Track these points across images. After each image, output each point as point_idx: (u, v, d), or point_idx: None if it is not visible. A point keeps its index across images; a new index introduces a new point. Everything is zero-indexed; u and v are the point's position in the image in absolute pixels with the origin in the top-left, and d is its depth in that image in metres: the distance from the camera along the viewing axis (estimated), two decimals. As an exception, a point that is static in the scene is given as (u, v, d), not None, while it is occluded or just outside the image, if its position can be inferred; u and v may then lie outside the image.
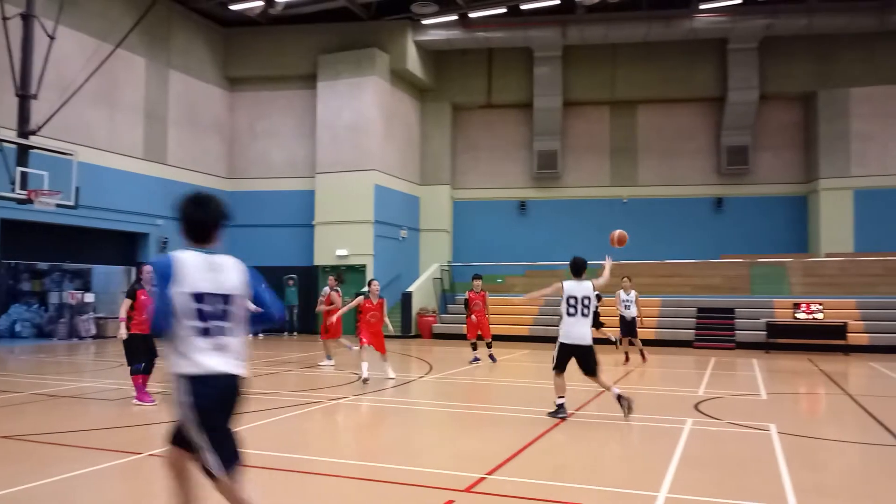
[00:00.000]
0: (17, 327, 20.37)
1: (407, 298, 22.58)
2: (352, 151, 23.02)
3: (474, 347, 14.85)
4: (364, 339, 11.36)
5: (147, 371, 9.37)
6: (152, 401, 9.25)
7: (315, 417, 8.76)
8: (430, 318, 22.38)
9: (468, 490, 5.39)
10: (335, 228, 23.04)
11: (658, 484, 5.57)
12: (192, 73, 23.12)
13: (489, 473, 5.88)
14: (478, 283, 14.80)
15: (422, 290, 23.43)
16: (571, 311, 8.30)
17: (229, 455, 3.52)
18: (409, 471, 5.99)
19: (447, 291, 24.19)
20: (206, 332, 3.48)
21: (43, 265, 21.26)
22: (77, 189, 16.55)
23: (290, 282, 22.65)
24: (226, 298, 3.54)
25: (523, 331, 20.71)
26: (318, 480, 5.87)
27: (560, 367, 8.41)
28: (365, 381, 11.06)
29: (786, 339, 18.78)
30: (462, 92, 26.07)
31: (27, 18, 16.47)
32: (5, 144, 15.66)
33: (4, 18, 16.06)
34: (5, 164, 15.54)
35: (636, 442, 7.61)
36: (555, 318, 17.04)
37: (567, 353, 8.34)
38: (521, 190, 26.04)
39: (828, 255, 22.90)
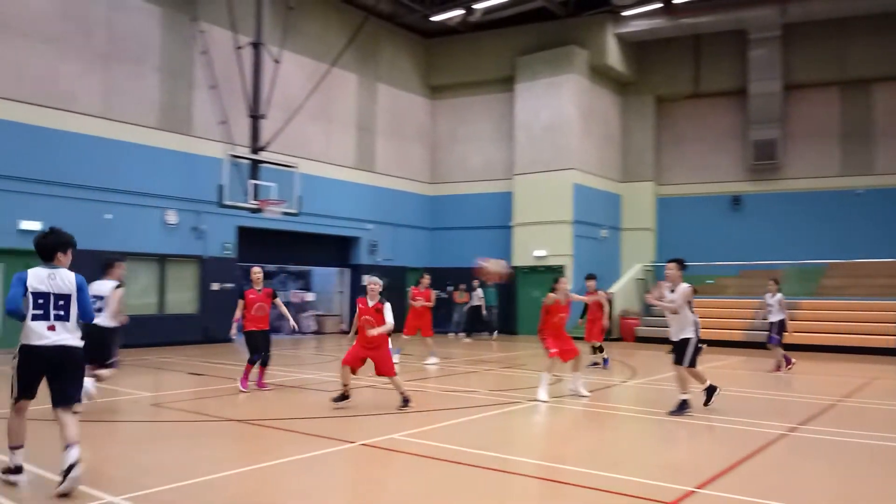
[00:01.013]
0: (251, 323, 22.77)
1: (608, 300, 21.88)
2: (549, 151, 22.85)
3: (597, 350, 13.85)
4: (553, 350, 9.65)
5: (264, 363, 10.26)
6: (267, 387, 10.25)
7: (514, 418, 8.71)
8: (633, 321, 21.51)
9: (675, 503, 4.99)
10: (533, 229, 23.00)
11: (909, 515, 4.76)
12: (398, 84, 24.39)
13: (699, 487, 5.41)
14: (589, 283, 13.75)
15: (624, 292, 22.61)
16: (693, 309, 8.72)
17: (28, 390, 5.25)
18: (609, 478, 5.70)
19: (648, 292, 23.11)
20: (41, 318, 5.15)
21: (271, 267, 23.61)
22: (299, 198, 18.15)
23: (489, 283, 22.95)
24: (59, 297, 5.22)
25: (737, 336, 19.14)
26: (515, 480, 5.78)
27: (693, 363, 8.61)
28: (542, 401, 9.58)
29: None
30: (666, 83, 24.79)
31: (257, 46, 18.37)
32: (241, 160, 17.60)
33: (238, 48, 18.05)
34: (240, 178, 17.46)
35: (879, 466, 6.60)
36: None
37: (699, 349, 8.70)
38: (735, 184, 24.13)
39: None
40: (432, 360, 14.15)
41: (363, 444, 6.82)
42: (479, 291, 22.09)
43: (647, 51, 24.69)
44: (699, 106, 24.80)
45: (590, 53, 23.08)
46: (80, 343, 5.32)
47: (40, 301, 5.16)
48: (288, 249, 21.59)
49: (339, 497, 5.35)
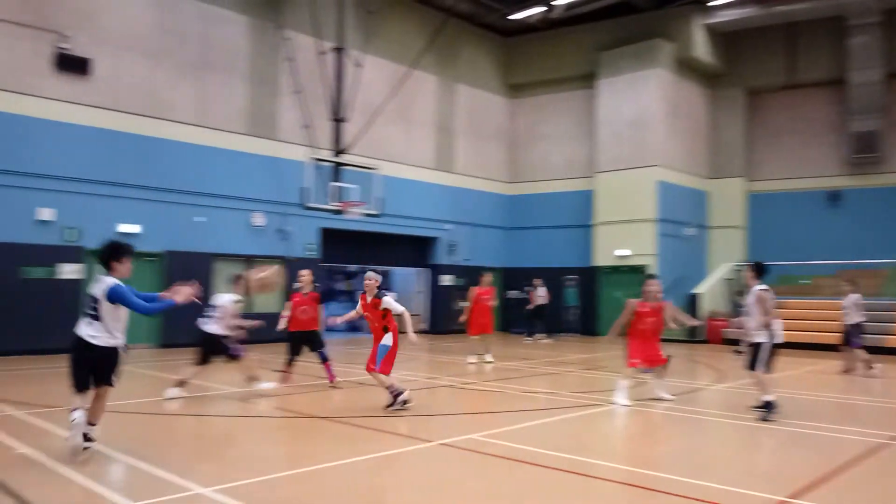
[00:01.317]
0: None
1: (694, 301, 21.19)
2: (633, 148, 22.32)
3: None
4: (634, 360, 9.34)
5: (325, 359, 10.80)
6: (334, 379, 10.74)
7: (596, 420, 8.54)
8: (721, 323, 20.71)
9: (764, 514, 4.77)
10: (615, 228, 22.51)
11: None
12: (477, 84, 24.40)
13: (791, 497, 5.15)
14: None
15: (711, 292, 21.81)
16: (772, 312, 8.43)
17: (79, 383, 6.05)
18: (694, 485, 5.49)
19: (741, 293, 22.16)
20: (84, 315, 6.08)
21: (353, 267, 24.07)
22: (380, 199, 18.43)
23: (569, 283, 22.63)
24: (94, 300, 6.02)
25: (834, 339, 18.09)
26: (598, 484, 5.65)
27: (769, 366, 8.42)
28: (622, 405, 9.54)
29: None
30: (758, 74, 23.73)
31: (339, 51, 18.78)
32: (323, 163, 18.04)
33: (321, 53, 18.50)
34: (323, 180, 17.90)
35: None
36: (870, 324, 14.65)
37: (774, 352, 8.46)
38: (832, 178, 22.84)
39: None
40: (488, 357, 14.36)
41: (441, 444, 6.84)
42: (542, 290, 21.80)
43: (738, 41, 23.72)
44: (794, 97, 23.62)
45: (675, 46, 22.39)
46: (110, 342, 6.05)
47: (87, 302, 6.17)
48: (369, 250, 21.94)
49: (418, 496, 5.38)
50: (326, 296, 12.87)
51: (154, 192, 16.50)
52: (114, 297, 5.95)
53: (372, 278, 8.57)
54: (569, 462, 6.16)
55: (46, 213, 14.91)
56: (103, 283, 6.03)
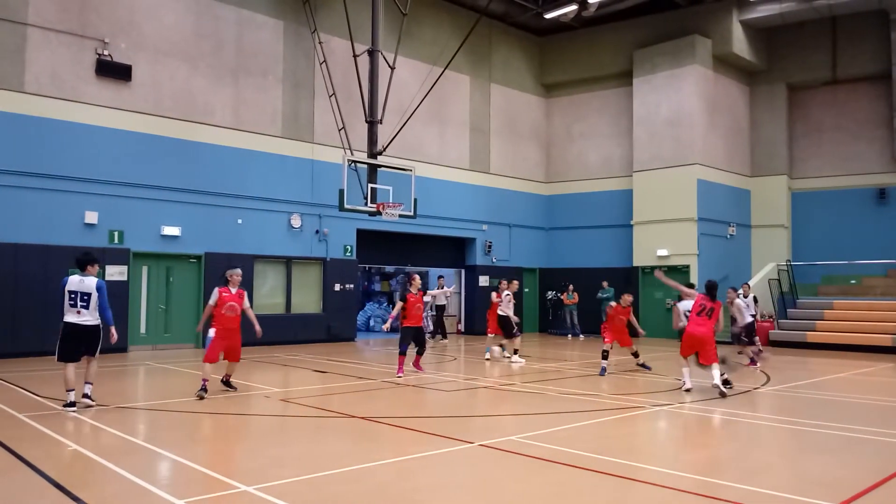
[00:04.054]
0: (371, 322, 23.39)
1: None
2: (671, 146, 21.97)
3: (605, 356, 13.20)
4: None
5: (421, 352, 12.36)
6: (423, 370, 12.36)
7: (638, 423, 8.38)
8: (767, 324, 20.22)
9: (821, 521, 4.59)
10: (655, 228, 22.17)
11: None
12: (511, 84, 24.27)
13: (846, 502, 4.96)
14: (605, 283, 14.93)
15: (755, 293, 21.26)
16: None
17: (69, 356, 8.23)
18: (744, 490, 5.33)
19: (786, 294, 21.64)
20: (73, 306, 8.22)
21: (389, 268, 24.13)
22: (415, 200, 18.41)
23: (605, 284, 22.25)
24: (84, 294, 8.25)
25: (885, 340, 17.58)
26: (640, 488, 5.52)
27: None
28: (687, 390, 10.29)
29: None
30: (799, 70, 23.17)
31: (372, 53, 18.81)
32: (359, 165, 18.08)
33: (355, 56, 18.57)
34: (359, 182, 17.94)
35: None
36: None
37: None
38: (880, 175, 22.16)
39: None
40: (493, 352, 15.23)
41: (482, 445, 6.78)
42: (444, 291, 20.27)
43: (777, 36, 23.20)
44: (837, 93, 23.02)
45: (713, 42, 21.98)
46: (96, 322, 8.32)
47: (73, 296, 8.27)
48: (405, 251, 21.99)
49: (461, 497, 5.32)
50: (364, 296, 13.49)
51: (193, 195, 16.74)
52: (102, 290, 8.29)
53: (237, 273, 9.87)
54: (610, 464, 6.04)
55: (92, 217, 15.23)
56: (89, 281, 8.29)
